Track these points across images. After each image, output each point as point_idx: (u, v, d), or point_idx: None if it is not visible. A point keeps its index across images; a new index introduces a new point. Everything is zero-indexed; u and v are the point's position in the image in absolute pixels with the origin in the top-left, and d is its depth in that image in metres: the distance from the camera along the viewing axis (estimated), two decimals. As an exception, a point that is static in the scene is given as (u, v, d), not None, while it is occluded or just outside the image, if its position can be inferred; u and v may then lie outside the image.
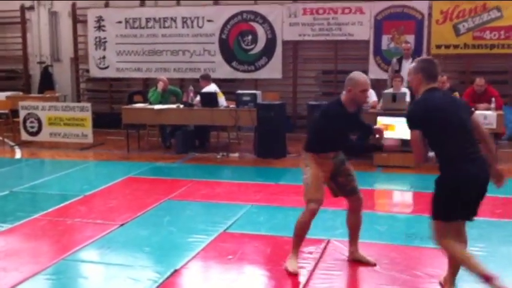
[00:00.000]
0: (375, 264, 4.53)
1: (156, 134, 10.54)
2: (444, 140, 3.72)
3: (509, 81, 11.12)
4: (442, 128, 3.71)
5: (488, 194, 6.60)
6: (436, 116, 3.70)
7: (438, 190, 3.81)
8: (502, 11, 10.62)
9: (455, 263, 3.93)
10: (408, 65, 9.51)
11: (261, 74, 11.90)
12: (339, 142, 4.42)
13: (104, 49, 12.69)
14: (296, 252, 4.47)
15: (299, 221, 4.43)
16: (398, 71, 9.59)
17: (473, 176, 3.71)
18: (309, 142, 4.48)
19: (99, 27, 12.68)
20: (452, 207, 3.77)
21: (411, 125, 3.79)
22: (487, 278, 3.62)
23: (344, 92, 4.33)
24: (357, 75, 4.32)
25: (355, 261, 4.59)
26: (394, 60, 9.95)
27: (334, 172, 4.44)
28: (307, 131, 4.61)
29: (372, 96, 9.19)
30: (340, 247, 4.90)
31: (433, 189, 3.83)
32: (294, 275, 4.32)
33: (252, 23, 11.89)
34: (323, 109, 4.53)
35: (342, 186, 4.52)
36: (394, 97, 8.69)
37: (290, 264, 4.41)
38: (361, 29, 11.30)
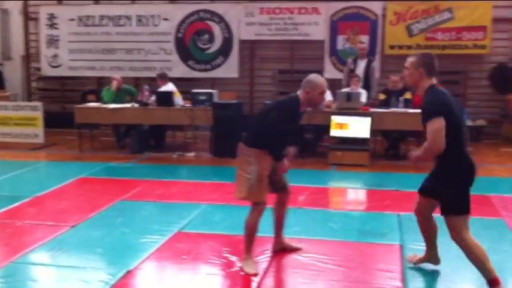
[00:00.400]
0: (301, 249, 4.72)
1: (110, 133, 10.37)
2: (457, 134, 3.77)
3: (461, 81, 11.42)
4: (457, 122, 3.79)
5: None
6: (453, 110, 3.79)
7: (458, 184, 3.83)
8: (453, 12, 10.90)
9: (474, 261, 3.88)
10: (363, 65, 9.72)
11: (218, 73, 11.86)
12: (287, 140, 4.46)
13: (57, 47, 12.42)
14: (250, 253, 4.47)
15: (249, 222, 4.43)
16: (353, 71, 9.72)
17: (476, 169, 3.87)
18: (256, 137, 4.40)
19: (52, 25, 12.41)
20: (469, 199, 3.86)
21: (437, 112, 3.73)
22: (495, 281, 3.76)
23: (300, 92, 4.35)
24: (315, 77, 4.37)
25: (285, 251, 4.71)
26: (350, 60, 10.09)
27: (271, 170, 4.45)
28: (255, 126, 4.49)
29: (328, 96, 9.27)
30: (296, 244, 4.91)
31: (447, 185, 3.84)
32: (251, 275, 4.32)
33: (208, 22, 11.84)
34: (282, 105, 4.47)
35: (275, 183, 4.53)
36: (349, 96, 8.80)
37: (248, 267, 4.39)
38: (317, 29, 11.40)
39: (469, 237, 3.85)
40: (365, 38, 11.14)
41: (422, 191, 4.14)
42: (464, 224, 3.85)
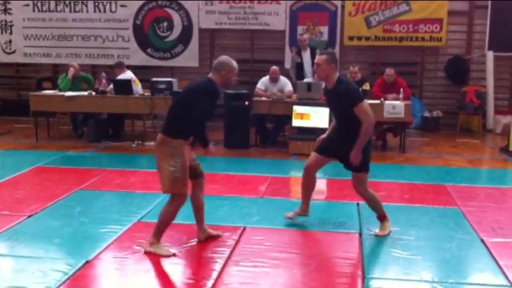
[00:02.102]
0: (221, 235, 4.85)
1: (67, 122, 10.16)
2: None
3: (418, 73, 11.65)
4: None
5: (395, 180, 6.92)
6: None
7: (366, 148, 4.77)
8: (410, 5, 11.09)
9: (373, 205, 5.02)
10: (308, 56, 9.80)
11: (178, 62, 11.75)
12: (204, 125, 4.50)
13: (11, 33, 12.07)
14: (160, 239, 4.55)
15: (167, 210, 4.50)
16: (301, 63, 9.78)
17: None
18: (177, 126, 4.37)
19: (5, 10, 12.05)
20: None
21: (361, 97, 4.81)
22: (384, 216, 4.99)
23: (212, 75, 4.47)
24: (229, 60, 4.55)
25: (207, 239, 4.78)
26: (294, 53, 10.21)
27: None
28: (175, 115, 4.43)
29: (287, 85, 9.33)
30: (256, 234, 4.94)
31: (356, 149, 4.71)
32: (212, 262, 4.32)
33: (167, 10, 11.71)
34: (206, 88, 4.39)
35: (193, 170, 4.56)
36: (309, 87, 8.86)
37: (162, 250, 4.49)
38: (277, 19, 11.42)
39: (370, 189, 4.99)
40: (324, 29, 11.25)
41: (325, 152, 5.02)
42: (367, 179, 4.96)
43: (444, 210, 5.74)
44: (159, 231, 4.53)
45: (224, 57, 4.59)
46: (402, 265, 4.36)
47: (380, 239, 4.86)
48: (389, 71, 9.17)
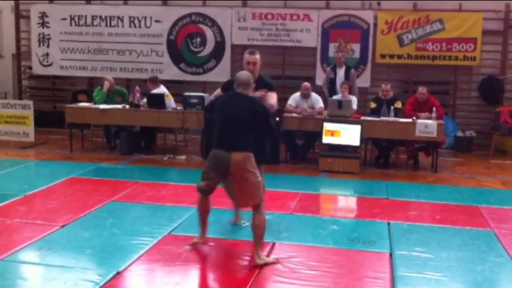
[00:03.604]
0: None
1: (101, 134, 10.34)
2: None
3: (450, 92, 11.53)
4: None
5: (426, 201, 6.85)
6: None
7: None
8: (444, 23, 11.01)
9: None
10: (342, 73, 9.82)
11: (210, 77, 11.87)
12: None
13: (48, 46, 12.36)
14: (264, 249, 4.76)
15: (261, 219, 4.65)
16: (334, 80, 9.81)
17: None
18: (249, 141, 4.68)
19: (43, 24, 12.35)
20: None
21: (276, 87, 5.42)
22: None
23: (244, 89, 4.78)
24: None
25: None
26: (329, 69, 10.23)
27: None
28: (243, 132, 4.69)
29: (318, 102, 9.34)
30: (285, 250, 4.94)
31: None
32: (242, 276, 4.34)
33: (201, 25, 11.86)
34: (258, 101, 4.84)
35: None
36: (340, 104, 8.85)
37: (268, 259, 4.65)
38: (308, 36, 11.46)
39: None
40: (356, 46, 11.23)
41: None
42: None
43: (477, 232, 5.65)
44: (260, 241, 4.65)
45: (246, 73, 4.94)
46: (433, 287, 4.30)
47: (411, 260, 4.80)
48: (422, 90, 9.11)
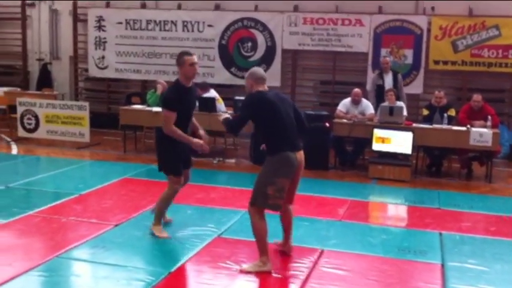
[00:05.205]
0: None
1: (153, 136, 10.53)
2: None
3: (506, 100, 11.21)
4: None
5: (480, 211, 6.66)
6: None
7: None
8: (500, 29, 10.71)
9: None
10: (389, 79, 9.66)
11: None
12: None
13: (104, 49, 12.69)
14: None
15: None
16: (382, 86, 9.66)
17: None
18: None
19: (100, 27, 12.69)
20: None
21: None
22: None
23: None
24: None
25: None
26: (375, 75, 10.07)
27: None
28: (295, 127, 4.80)
29: (369, 108, 9.25)
30: (333, 258, 4.92)
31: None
32: (289, 282, 4.34)
33: (252, 30, 11.94)
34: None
35: None
36: (391, 110, 8.74)
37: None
38: (360, 41, 11.36)
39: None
40: (408, 52, 11.06)
41: None
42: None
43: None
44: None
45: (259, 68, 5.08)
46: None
47: (464, 272, 4.70)
48: (477, 97, 8.90)
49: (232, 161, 9.45)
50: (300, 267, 4.68)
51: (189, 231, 5.47)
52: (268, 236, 4.63)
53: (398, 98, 9.28)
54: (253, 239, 4.63)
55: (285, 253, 4.95)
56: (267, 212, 4.62)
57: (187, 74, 5.26)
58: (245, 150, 10.07)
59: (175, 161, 5.29)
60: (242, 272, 4.53)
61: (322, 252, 5.05)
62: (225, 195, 7.03)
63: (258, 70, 4.85)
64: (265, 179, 4.50)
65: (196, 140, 5.32)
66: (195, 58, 5.26)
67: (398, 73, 10.00)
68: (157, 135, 5.50)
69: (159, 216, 5.39)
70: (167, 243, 5.14)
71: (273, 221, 4.80)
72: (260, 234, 4.54)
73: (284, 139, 4.52)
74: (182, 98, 5.22)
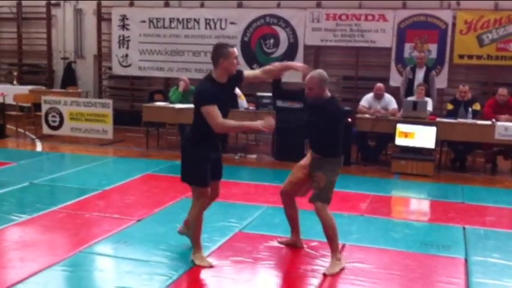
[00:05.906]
0: None
1: (176, 132, 10.61)
2: None
3: (532, 94, 11.01)
4: None
5: (505, 206, 6.55)
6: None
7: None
8: (527, 23, 10.53)
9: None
10: (421, 74, 9.53)
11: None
12: None
13: (127, 47, 12.81)
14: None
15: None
16: (412, 80, 9.56)
17: None
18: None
19: (123, 26, 12.81)
20: None
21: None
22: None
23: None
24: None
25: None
26: (408, 68, 9.96)
27: None
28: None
29: (392, 103, 9.17)
30: (355, 252, 4.90)
31: None
32: (311, 277, 4.33)
33: (274, 27, 11.92)
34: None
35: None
36: (415, 105, 8.65)
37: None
38: (383, 36, 11.26)
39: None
40: (433, 47, 10.93)
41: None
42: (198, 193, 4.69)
43: None
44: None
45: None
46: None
47: (488, 266, 4.63)
48: (502, 91, 8.76)
49: (254, 156, 9.46)
50: (321, 261, 4.66)
51: (210, 226, 5.46)
52: (301, 233, 4.99)
53: (428, 95, 9.16)
54: (274, 234, 4.64)
55: (297, 247, 4.98)
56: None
57: (231, 68, 4.61)
58: (267, 146, 10.07)
59: (202, 168, 4.59)
60: (327, 276, 4.42)
61: (344, 246, 5.01)
62: (246, 191, 7.04)
63: (325, 73, 4.90)
64: (329, 177, 4.74)
65: (257, 121, 4.76)
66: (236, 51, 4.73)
67: (431, 69, 9.88)
68: (183, 144, 5.03)
69: (196, 241, 4.68)
70: (189, 239, 5.16)
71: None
72: (334, 229, 4.60)
73: (339, 144, 4.92)
74: (219, 94, 4.56)
